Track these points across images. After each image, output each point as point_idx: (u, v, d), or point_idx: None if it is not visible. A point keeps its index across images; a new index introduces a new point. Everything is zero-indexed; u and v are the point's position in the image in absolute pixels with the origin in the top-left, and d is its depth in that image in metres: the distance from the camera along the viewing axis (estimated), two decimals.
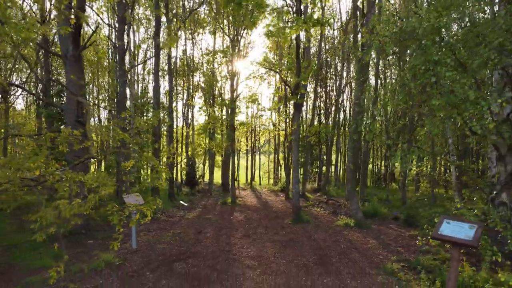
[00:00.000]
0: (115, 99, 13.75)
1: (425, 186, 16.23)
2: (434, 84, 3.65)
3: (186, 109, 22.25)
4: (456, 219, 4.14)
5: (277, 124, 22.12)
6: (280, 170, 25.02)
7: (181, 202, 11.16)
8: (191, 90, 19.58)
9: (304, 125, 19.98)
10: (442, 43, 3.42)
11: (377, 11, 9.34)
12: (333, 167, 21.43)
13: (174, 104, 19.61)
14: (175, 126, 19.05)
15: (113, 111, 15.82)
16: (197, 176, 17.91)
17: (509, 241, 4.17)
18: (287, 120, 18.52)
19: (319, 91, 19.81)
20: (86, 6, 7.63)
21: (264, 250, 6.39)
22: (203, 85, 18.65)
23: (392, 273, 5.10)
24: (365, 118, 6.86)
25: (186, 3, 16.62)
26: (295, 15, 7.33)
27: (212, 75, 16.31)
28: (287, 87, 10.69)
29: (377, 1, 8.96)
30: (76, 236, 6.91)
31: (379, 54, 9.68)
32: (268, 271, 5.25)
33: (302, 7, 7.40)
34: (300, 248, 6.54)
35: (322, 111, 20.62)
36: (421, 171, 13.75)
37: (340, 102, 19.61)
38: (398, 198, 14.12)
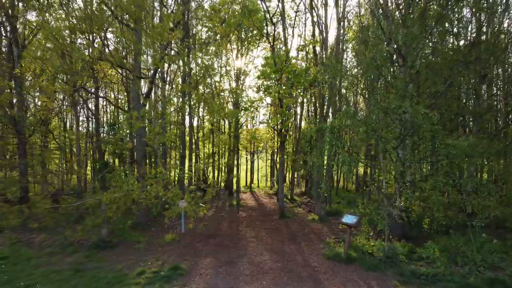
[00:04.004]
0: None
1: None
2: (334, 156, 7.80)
3: (191, 119, 26.27)
4: (351, 213, 8.50)
5: (273, 138, 26.25)
6: (276, 174, 29.26)
7: (200, 204, 15.42)
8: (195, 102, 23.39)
9: (297, 133, 24.08)
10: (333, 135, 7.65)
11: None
12: None
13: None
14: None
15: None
16: (208, 182, 22.13)
17: (378, 224, 8.46)
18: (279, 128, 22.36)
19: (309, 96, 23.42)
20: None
21: (259, 233, 10.72)
22: (206, 96, 22.44)
23: (328, 244, 9.43)
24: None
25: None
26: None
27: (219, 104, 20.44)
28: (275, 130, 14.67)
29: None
30: (145, 225, 11.20)
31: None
32: (261, 243, 9.58)
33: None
34: (281, 232, 10.87)
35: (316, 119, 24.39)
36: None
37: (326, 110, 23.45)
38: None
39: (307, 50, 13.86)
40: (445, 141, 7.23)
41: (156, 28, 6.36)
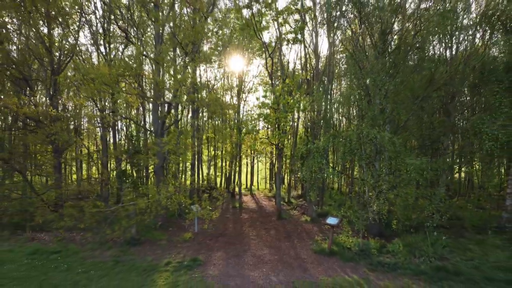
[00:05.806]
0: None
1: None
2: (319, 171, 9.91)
3: (195, 124, 28.28)
4: (334, 216, 10.54)
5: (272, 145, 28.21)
6: (274, 178, 31.29)
7: (209, 208, 17.47)
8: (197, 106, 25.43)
9: (295, 138, 26.21)
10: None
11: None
12: None
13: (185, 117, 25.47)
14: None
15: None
16: (213, 186, 24.15)
17: (356, 225, 10.49)
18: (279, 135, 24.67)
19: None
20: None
21: (259, 232, 12.75)
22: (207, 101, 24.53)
23: (316, 241, 11.47)
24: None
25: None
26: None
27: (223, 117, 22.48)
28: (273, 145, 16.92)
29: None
30: (163, 225, 13.20)
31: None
32: (261, 240, 11.62)
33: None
34: (278, 232, 12.91)
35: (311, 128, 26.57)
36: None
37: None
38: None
39: (301, 75, 16.04)
40: (405, 159, 9.28)
41: (180, 74, 8.32)
